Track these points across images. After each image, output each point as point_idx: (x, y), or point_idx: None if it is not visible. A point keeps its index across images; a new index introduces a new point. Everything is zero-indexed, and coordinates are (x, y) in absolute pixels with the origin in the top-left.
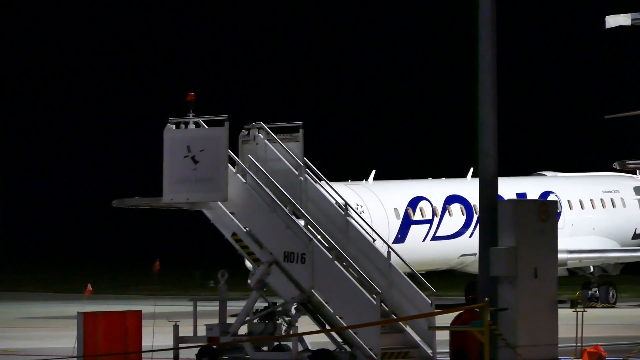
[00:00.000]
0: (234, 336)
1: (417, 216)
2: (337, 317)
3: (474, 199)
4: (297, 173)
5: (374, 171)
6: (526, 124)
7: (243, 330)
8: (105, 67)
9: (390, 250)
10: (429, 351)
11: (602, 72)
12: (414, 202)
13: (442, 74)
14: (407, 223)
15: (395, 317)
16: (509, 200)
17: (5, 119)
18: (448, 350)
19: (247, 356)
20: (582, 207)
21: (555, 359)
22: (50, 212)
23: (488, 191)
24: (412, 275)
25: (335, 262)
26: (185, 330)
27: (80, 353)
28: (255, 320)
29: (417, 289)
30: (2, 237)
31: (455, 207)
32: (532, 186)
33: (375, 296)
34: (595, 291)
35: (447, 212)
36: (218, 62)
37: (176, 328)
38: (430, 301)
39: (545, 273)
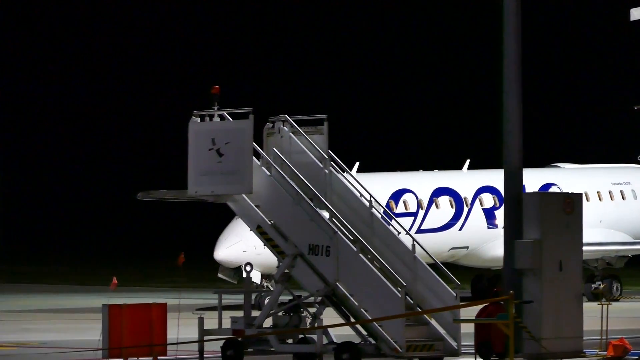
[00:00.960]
0: (259, 329)
1: (399, 209)
2: (361, 309)
3: (465, 191)
4: (321, 166)
5: (357, 163)
6: (554, 115)
7: (268, 323)
8: (132, 58)
9: (414, 242)
10: (454, 344)
11: (629, 64)
12: (397, 195)
13: (450, 69)
14: (388, 216)
15: (420, 310)
16: (535, 192)
17: (27, 111)
18: (473, 343)
19: (272, 349)
20: (587, 199)
21: (580, 351)
22: (75, 205)
23: (513, 184)
24: (436, 268)
25: (360, 254)
26: (210, 323)
27: (106, 345)
28: (280, 313)
29: (442, 281)
30: (29, 229)
31: (443, 200)
32: (533, 178)
33: (399, 289)
34: (599, 284)
35: (433, 205)
36: (243, 55)
37: (201, 320)
38: (455, 294)
39: (570, 266)
